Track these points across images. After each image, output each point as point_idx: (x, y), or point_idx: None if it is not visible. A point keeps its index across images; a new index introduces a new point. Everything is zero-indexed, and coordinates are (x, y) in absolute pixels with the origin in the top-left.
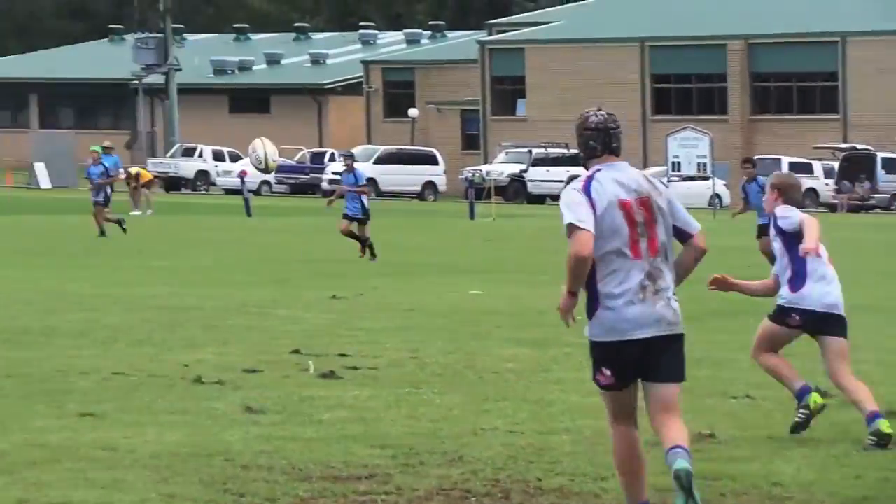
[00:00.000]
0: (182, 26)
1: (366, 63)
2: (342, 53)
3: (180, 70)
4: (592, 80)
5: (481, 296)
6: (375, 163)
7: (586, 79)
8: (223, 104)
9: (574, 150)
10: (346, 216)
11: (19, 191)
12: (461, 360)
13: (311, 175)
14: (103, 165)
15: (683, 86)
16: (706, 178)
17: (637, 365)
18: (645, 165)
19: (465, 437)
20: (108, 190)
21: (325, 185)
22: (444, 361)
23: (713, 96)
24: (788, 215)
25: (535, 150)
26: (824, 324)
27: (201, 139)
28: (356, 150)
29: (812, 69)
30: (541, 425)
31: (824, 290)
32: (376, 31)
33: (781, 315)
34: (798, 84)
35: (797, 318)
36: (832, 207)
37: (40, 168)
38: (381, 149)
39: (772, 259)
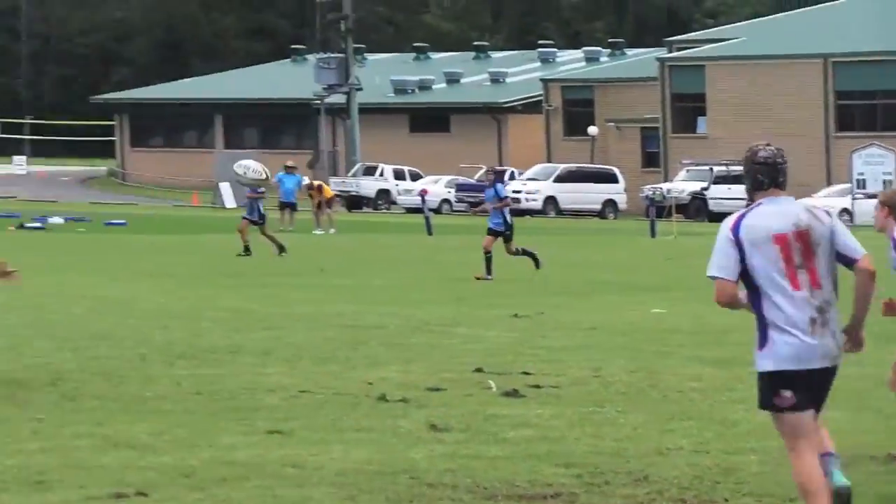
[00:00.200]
0: (363, 46)
1: (545, 81)
2: (521, 72)
3: (361, 90)
4: (774, 97)
5: (663, 314)
6: (555, 181)
7: (768, 96)
8: (404, 123)
9: None
10: (490, 231)
11: (205, 210)
12: (644, 379)
13: None
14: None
15: (868, 102)
16: None
17: (805, 392)
18: (829, 183)
19: (650, 457)
20: (261, 208)
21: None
22: (627, 380)
23: None
24: None
25: (716, 168)
26: None
27: (382, 158)
28: (535, 169)
29: None
30: (726, 445)
31: None
32: (555, 50)
33: None
34: None
35: None
36: None
37: (225, 188)
38: (561, 167)
39: None
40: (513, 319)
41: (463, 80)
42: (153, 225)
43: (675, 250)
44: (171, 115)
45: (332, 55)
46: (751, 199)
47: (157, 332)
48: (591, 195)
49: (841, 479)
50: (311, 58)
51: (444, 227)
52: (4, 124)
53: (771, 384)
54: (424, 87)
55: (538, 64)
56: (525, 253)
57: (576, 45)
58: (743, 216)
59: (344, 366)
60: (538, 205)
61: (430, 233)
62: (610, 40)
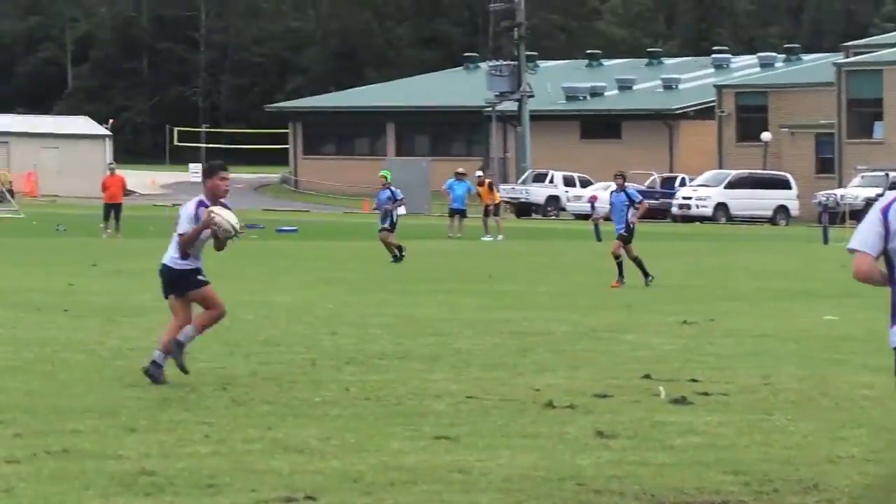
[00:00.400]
0: (535, 53)
1: (718, 87)
2: (694, 78)
3: (533, 97)
4: None
5: (835, 321)
6: (726, 187)
7: None
8: (574, 130)
9: None
10: (619, 237)
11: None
12: (815, 387)
13: (661, 200)
14: (390, 191)
15: None
16: None
17: None
18: None
19: (821, 465)
20: (395, 215)
21: (674, 209)
22: (798, 387)
23: None
24: None
25: (892, 174)
26: None
27: (552, 165)
28: (707, 175)
29: None
30: None
31: None
32: (729, 56)
33: None
34: None
35: None
36: None
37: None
38: (733, 173)
39: None
40: (682, 326)
41: (635, 87)
42: (324, 232)
43: (849, 257)
44: (343, 123)
45: (505, 63)
46: None
47: (326, 337)
48: (762, 201)
49: None
50: (484, 66)
51: (612, 234)
52: (181, 133)
53: None
54: (596, 93)
55: (711, 70)
56: (637, 263)
57: (750, 51)
58: (894, 201)
59: (511, 372)
60: (709, 211)
61: (598, 239)
62: (785, 45)
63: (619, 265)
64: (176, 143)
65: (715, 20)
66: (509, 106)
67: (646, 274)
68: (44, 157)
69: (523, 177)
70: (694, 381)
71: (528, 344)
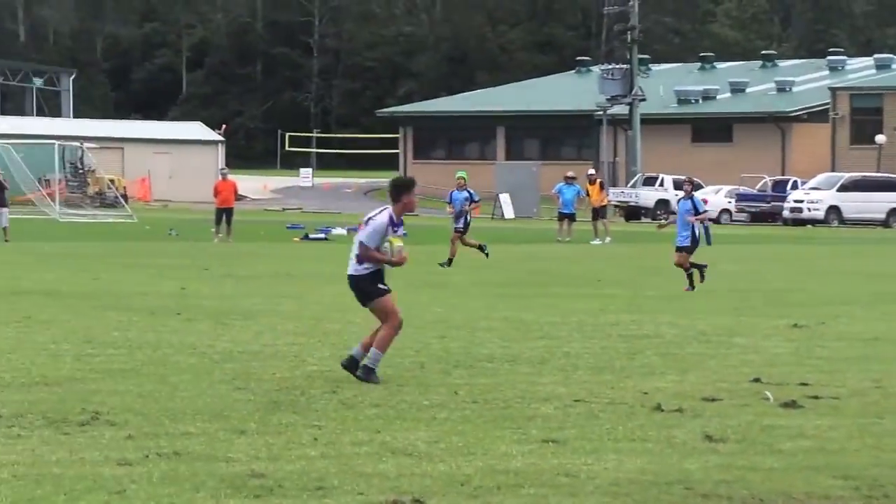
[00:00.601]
0: (647, 56)
1: (833, 90)
2: (809, 80)
3: (644, 100)
4: None
5: None
6: (839, 190)
7: None
8: (686, 133)
9: None
10: (678, 249)
11: (484, 221)
12: None
13: (772, 203)
14: (467, 192)
15: None
16: None
17: None
18: None
19: None
20: (468, 217)
21: (786, 213)
22: None
23: None
24: None
25: None
26: None
27: (662, 168)
28: (819, 178)
29: None
30: None
31: None
32: (845, 57)
33: None
34: None
35: None
36: None
37: (505, 199)
38: (846, 176)
39: None
40: (792, 329)
41: (748, 90)
42: (432, 236)
43: None
44: (453, 128)
45: (617, 66)
46: None
47: (434, 341)
48: (875, 204)
49: None
50: (596, 69)
51: (723, 237)
52: (292, 138)
53: None
54: (708, 96)
55: (826, 72)
56: (695, 266)
57: (868, 53)
58: None
59: (619, 375)
60: (820, 214)
61: (708, 243)
62: None
63: (690, 275)
64: (287, 148)
65: (832, 21)
66: (620, 109)
67: (692, 283)
68: (157, 163)
69: (633, 180)
70: (804, 384)
71: (637, 347)
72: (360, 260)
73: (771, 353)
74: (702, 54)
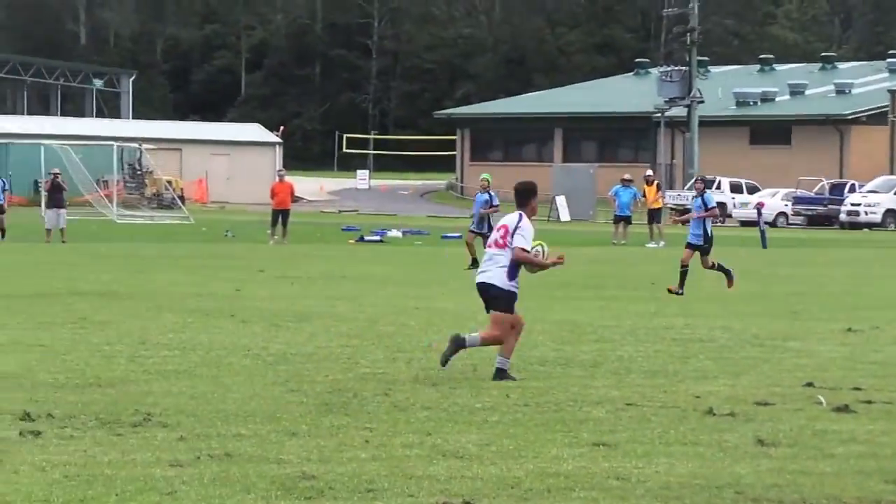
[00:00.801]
0: (706, 58)
1: (892, 92)
2: (869, 82)
3: (703, 102)
4: None
5: None
6: None
7: None
8: (744, 136)
9: None
10: (689, 245)
11: (540, 223)
12: None
13: (829, 206)
14: (489, 194)
15: None
16: None
17: None
18: None
19: None
20: (490, 220)
21: (843, 216)
22: None
23: None
24: None
25: None
26: None
27: (720, 171)
28: (877, 182)
29: None
30: None
31: None
32: None
33: None
34: None
35: None
36: None
37: (561, 201)
38: None
39: None
40: (846, 333)
41: (807, 92)
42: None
43: None
44: (511, 130)
45: (676, 68)
46: None
47: None
48: None
49: None
50: (654, 71)
51: (779, 241)
52: (349, 139)
53: None
54: (767, 99)
55: (886, 74)
56: (720, 269)
57: None
58: None
59: (672, 379)
60: (877, 218)
61: (764, 246)
62: None
63: (683, 274)
64: (344, 149)
65: (892, 23)
66: (678, 112)
67: (729, 276)
68: (214, 164)
69: (690, 182)
70: (857, 389)
71: (690, 351)
72: (511, 275)
73: (825, 358)
74: (761, 56)
